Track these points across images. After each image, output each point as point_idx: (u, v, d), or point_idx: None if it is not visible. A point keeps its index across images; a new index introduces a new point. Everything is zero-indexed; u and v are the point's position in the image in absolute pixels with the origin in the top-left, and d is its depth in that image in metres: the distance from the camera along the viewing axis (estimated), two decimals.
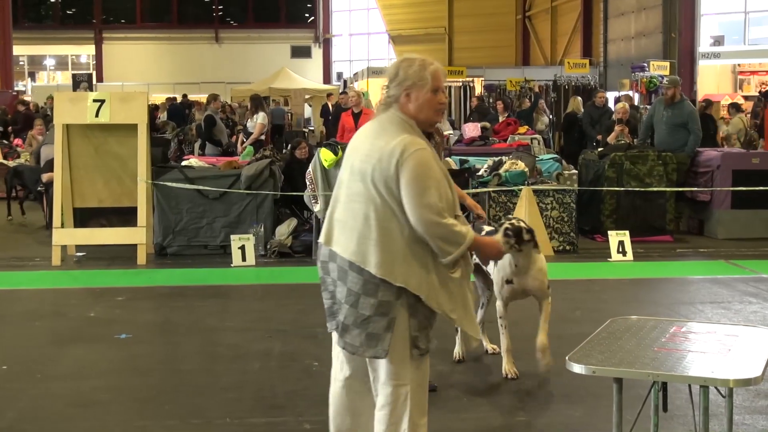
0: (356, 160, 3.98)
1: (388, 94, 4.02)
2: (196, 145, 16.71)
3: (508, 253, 5.59)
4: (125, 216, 10.86)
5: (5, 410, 5.52)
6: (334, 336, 4.13)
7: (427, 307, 3.91)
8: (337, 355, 4.19)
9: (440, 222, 3.83)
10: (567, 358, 3.45)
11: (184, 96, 28.27)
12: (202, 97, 31.33)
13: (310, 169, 10.45)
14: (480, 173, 11.46)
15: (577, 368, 3.37)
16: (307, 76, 37.78)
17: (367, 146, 3.98)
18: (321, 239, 4.09)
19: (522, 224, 5.77)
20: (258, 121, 14.90)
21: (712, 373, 3.27)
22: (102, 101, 10.48)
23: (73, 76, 35.84)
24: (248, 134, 15.10)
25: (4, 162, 17.39)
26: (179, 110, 24.94)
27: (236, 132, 18.34)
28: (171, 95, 29.76)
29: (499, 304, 6.11)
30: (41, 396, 5.81)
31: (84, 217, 11.17)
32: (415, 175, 3.81)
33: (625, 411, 3.54)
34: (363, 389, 4.12)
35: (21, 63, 46.69)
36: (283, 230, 10.84)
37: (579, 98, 20.41)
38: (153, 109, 23.47)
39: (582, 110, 18.73)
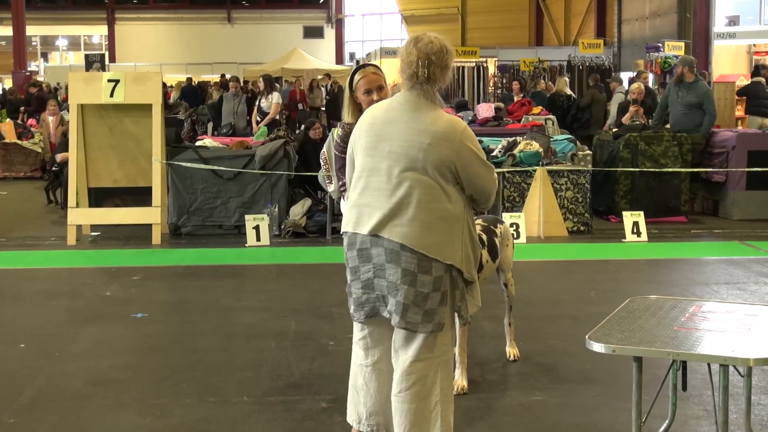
0: (394, 145, 4.00)
1: (431, 71, 4.00)
2: (210, 126, 16.73)
3: None
4: (140, 196, 10.88)
5: (24, 388, 5.55)
6: (358, 326, 4.28)
7: (463, 279, 4.10)
8: (362, 342, 4.29)
9: (495, 180, 4.21)
10: (587, 336, 3.44)
11: (188, 79, 28.28)
12: (215, 78, 31.37)
13: (324, 149, 10.42)
14: (494, 154, 11.45)
15: (597, 347, 3.36)
16: (320, 56, 37.73)
17: (403, 128, 4.00)
18: (351, 228, 4.12)
19: None
20: (273, 101, 14.87)
21: (732, 352, 3.26)
22: (116, 81, 10.49)
23: (86, 56, 35.90)
24: (263, 114, 15.08)
25: (18, 142, 17.46)
26: (193, 91, 24.95)
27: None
28: (184, 76, 29.79)
29: None
30: (59, 374, 5.85)
31: (99, 197, 11.20)
32: (474, 149, 4.02)
33: (641, 391, 3.53)
34: (388, 370, 4.23)
35: (33, 43, 46.75)
36: (297, 210, 10.85)
37: (566, 78, 20.29)
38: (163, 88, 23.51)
39: (568, 91, 18.67)
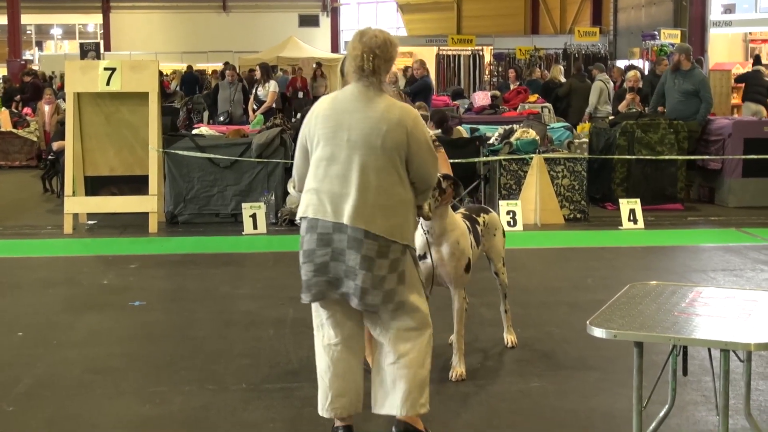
0: (352, 134, 4.20)
1: (377, 63, 4.25)
2: (205, 114, 16.69)
3: (430, 215, 4.76)
4: (136, 184, 10.87)
5: (22, 376, 5.55)
6: (323, 308, 4.41)
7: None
8: (329, 321, 4.41)
9: (436, 174, 4.47)
10: (588, 322, 3.43)
11: (189, 67, 28.23)
12: (210, 66, 31.28)
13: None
14: (491, 141, 11.45)
15: (598, 332, 3.36)
16: (315, 45, 37.61)
17: (361, 117, 4.22)
18: (312, 213, 4.26)
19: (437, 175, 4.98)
20: (270, 90, 14.84)
21: (732, 337, 3.26)
22: (113, 70, 10.47)
23: (81, 45, 35.75)
24: (259, 102, 15.06)
25: (14, 131, 17.41)
26: (192, 79, 24.88)
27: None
28: (179, 64, 29.71)
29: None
30: (57, 362, 5.85)
31: (95, 186, 11.19)
32: (424, 134, 4.29)
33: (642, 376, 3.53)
34: (357, 349, 4.46)
35: (28, 32, 46.55)
36: (294, 199, 10.84)
37: (560, 66, 20.25)
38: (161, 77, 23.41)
39: (563, 79, 18.63)
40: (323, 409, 4.44)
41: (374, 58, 4.24)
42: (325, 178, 4.25)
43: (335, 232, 4.20)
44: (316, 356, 4.50)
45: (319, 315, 4.47)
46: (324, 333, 4.45)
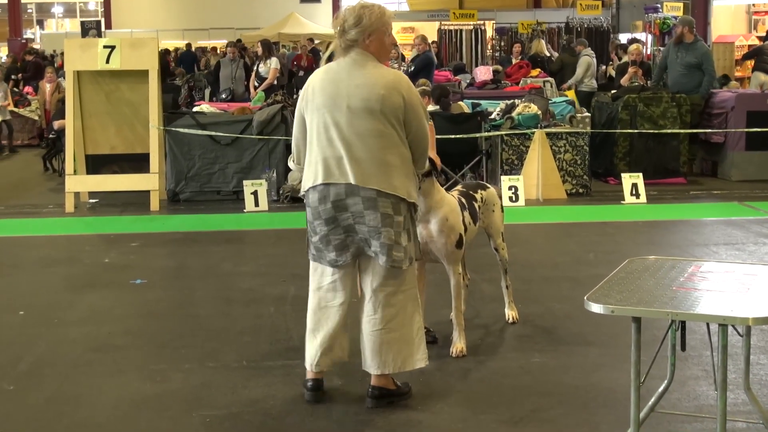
0: (351, 100, 4.35)
1: (349, 38, 4.43)
2: (207, 92, 16.63)
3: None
4: (138, 162, 10.87)
5: (24, 355, 5.56)
6: (327, 271, 4.57)
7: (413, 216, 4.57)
8: (334, 284, 4.58)
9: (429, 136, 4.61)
10: (585, 298, 3.42)
11: (188, 45, 28.12)
12: (212, 43, 31.14)
13: None
14: (492, 116, 11.40)
15: (596, 308, 3.34)
16: (317, 21, 37.41)
17: (357, 84, 4.37)
18: (322, 179, 4.42)
19: None
20: (272, 66, 14.78)
21: (731, 312, 3.24)
22: (112, 47, 10.44)
23: (82, 23, 35.52)
24: (261, 79, 15.00)
25: (16, 110, 17.37)
26: (190, 57, 24.76)
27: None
28: (181, 42, 29.58)
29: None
30: (59, 341, 5.85)
31: (96, 164, 11.17)
32: (417, 99, 4.47)
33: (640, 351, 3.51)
34: (345, 312, 4.64)
35: (29, 11, 46.38)
36: (296, 175, 10.80)
37: (543, 41, 20.24)
38: (165, 54, 23.29)
39: (547, 53, 18.60)
40: (312, 365, 4.67)
41: (347, 33, 4.43)
42: (329, 145, 4.40)
43: (348, 196, 4.38)
44: (308, 316, 4.70)
45: (317, 279, 4.65)
46: (323, 296, 4.63)
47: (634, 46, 14.41)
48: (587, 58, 15.76)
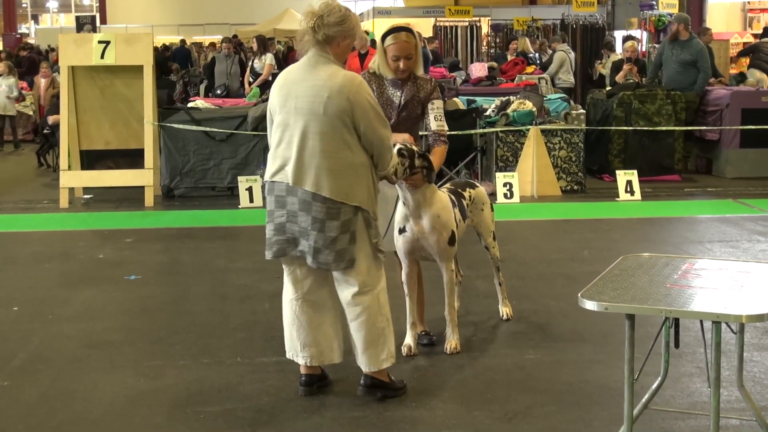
0: (299, 102, 4.44)
1: (329, 33, 4.47)
2: (202, 87, 16.59)
3: (402, 178, 4.91)
4: (132, 158, 10.84)
5: (18, 351, 5.55)
6: (282, 261, 4.68)
7: (373, 218, 4.58)
8: (290, 277, 4.72)
9: (390, 136, 4.57)
10: (579, 295, 3.41)
11: (182, 41, 28.04)
12: (207, 39, 31.06)
13: None
14: (487, 113, 11.39)
15: (590, 305, 3.34)
16: None
17: (306, 86, 4.45)
18: (269, 177, 4.57)
19: (415, 149, 5.03)
20: (267, 62, 14.77)
21: (724, 309, 3.23)
22: (107, 43, 10.42)
23: (77, 18, 35.34)
24: (255, 74, 14.98)
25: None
26: (184, 53, 24.72)
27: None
28: (176, 37, 29.51)
29: (403, 265, 5.37)
30: (53, 337, 5.84)
31: (91, 160, 11.14)
32: (367, 101, 4.45)
33: (635, 348, 3.51)
34: (319, 302, 4.72)
35: (24, 5, 46.26)
36: None
37: (527, 38, 20.36)
38: (163, 50, 23.22)
39: (532, 50, 18.70)
40: (295, 355, 4.78)
41: (328, 27, 4.47)
42: (279, 145, 4.54)
43: (288, 194, 4.49)
44: (283, 308, 4.82)
45: (284, 271, 4.76)
46: (286, 288, 4.77)
47: (629, 44, 14.45)
48: (561, 53, 16.01)
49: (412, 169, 4.93)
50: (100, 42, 10.50)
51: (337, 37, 4.50)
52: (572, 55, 16.64)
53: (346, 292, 4.63)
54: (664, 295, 3.41)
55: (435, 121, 5.35)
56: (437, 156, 5.30)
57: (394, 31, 5.30)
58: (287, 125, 4.50)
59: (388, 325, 4.69)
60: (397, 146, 4.85)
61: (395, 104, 5.34)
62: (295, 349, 4.77)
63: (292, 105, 4.48)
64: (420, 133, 5.60)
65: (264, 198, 4.72)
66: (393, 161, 4.66)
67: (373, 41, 16.16)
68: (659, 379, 3.84)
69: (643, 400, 3.88)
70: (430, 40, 21.69)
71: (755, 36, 22.66)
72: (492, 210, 5.94)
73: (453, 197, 5.50)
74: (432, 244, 5.17)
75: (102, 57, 10.45)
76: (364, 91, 4.49)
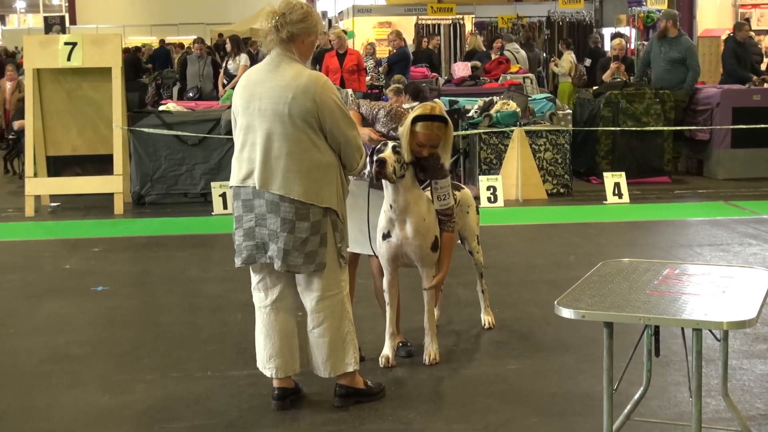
0: (262, 103, 4.43)
1: (293, 31, 4.45)
2: (175, 89, 16.42)
3: (394, 178, 4.86)
4: (101, 164, 10.64)
5: None
6: (256, 271, 4.64)
7: (340, 221, 4.55)
8: (260, 284, 4.66)
9: (357, 135, 4.54)
10: (556, 302, 3.32)
11: (161, 42, 27.89)
12: (181, 39, 30.81)
13: None
14: (470, 114, 11.23)
15: (566, 313, 3.25)
16: None
17: (269, 87, 4.44)
18: (235, 182, 4.54)
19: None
20: (241, 63, 14.60)
21: (705, 316, 3.16)
22: (74, 44, 10.28)
23: (45, 18, 35.04)
24: (230, 76, 14.80)
25: None
26: (164, 54, 24.49)
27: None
28: (148, 38, 29.31)
29: (385, 272, 5.23)
30: (14, 351, 5.74)
31: (58, 166, 10.98)
32: (333, 101, 4.42)
33: (619, 357, 3.43)
34: (289, 309, 4.67)
35: None
36: None
37: (480, 36, 20.41)
38: (135, 51, 22.93)
39: (483, 48, 18.69)
40: (263, 367, 4.71)
41: (290, 26, 4.45)
42: (243, 148, 4.50)
43: (255, 197, 4.47)
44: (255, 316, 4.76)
45: (253, 278, 4.70)
46: (256, 295, 4.71)
47: (616, 41, 14.33)
48: (507, 53, 16.16)
49: (405, 164, 4.91)
50: (66, 43, 10.38)
51: (301, 34, 4.48)
52: (521, 54, 16.71)
53: (310, 297, 4.59)
54: (643, 302, 3.36)
55: (438, 200, 5.12)
56: (444, 252, 5.15)
57: (428, 118, 4.92)
58: (251, 127, 4.47)
59: (352, 331, 4.67)
60: (391, 144, 4.88)
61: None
62: (262, 360, 4.71)
63: (255, 107, 4.45)
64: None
65: (233, 203, 4.66)
66: (362, 161, 4.59)
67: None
68: (641, 389, 3.78)
69: (625, 411, 3.79)
70: (430, 38, 21.62)
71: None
72: (477, 213, 5.85)
73: None
74: (415, 248, 5.06)
75: (69, 59, 10.31)
76: (330, 90, 4.46)
